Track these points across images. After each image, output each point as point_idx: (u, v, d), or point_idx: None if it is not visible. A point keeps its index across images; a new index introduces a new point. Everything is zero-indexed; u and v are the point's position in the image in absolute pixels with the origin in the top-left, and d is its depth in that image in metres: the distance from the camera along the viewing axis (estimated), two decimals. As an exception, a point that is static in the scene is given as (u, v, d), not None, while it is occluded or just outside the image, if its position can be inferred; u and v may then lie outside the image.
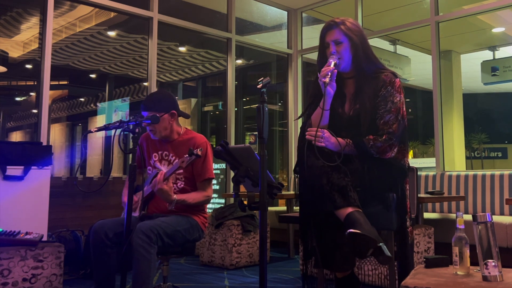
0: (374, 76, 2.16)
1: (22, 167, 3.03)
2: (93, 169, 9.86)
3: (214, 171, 2.71)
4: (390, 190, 2.10)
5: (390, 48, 7.29)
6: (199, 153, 2.25)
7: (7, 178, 2.97)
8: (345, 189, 1.92)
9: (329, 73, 2.04)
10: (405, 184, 2.15)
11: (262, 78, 1.92)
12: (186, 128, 2.74)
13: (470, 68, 9.23)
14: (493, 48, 8.54)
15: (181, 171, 2.49)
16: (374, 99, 2.12)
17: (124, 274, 2.15)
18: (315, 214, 2.06)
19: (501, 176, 4.08)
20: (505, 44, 8.53)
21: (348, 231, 1.79)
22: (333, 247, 2.08)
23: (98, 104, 10.33)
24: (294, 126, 5.94)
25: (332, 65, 2.07)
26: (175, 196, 2.39)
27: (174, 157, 2.62)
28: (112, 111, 8.43)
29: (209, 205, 2.69)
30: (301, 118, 2.38)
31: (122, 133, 2.22)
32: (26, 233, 2.68)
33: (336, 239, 2.06)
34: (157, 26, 4.83)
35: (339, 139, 2.05)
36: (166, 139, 2.65)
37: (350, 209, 1.89)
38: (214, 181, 2.66)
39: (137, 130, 2.23)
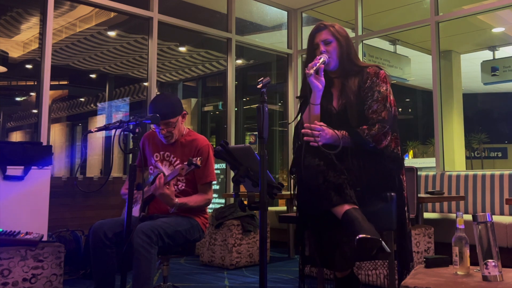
0: (357, 71, 2.23)
1: (22, 167, 3.02)
2: (93, 169, 9.86)
3: (214, 171, 2.71)
4: (388, 187, 2.10)
5: (390, 48, 7.29)
6: (198, 163, 2.24)
7: (7, 178, 2.96)
8: (341, 186, 1.93)
9: (314, 66, 2.11)
10: (402, 176, 2.16)
11: (262, 78, 1.92)
12: (189, 129, 2.74)
13: (470, 68, 9.23)
14: (493, 48, 8.54)
15: None
16: (359, 92, 2.18)
17: (124, 274, 2.15)
18: (313, 214, 2.06)
19: (501, 176, 4.08)
20: (505, 44, 8.53)
21: (358, 237, 1.80)
22: (332, 247, 2.08)
23: (98, 104, 10.34)
24: (294, 126, 5.92)
25: (320, 60, 2.14)
26: (177, 200, 2.39)
27: (175, 158, 2.62)
28: (112, 111, 8.44)
29: (209, 205, 2.69)
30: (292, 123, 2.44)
31: (122, 133, 2.22)
32: (26, 233, 2.68)
33: (335, 238, 2.06)
34: (157, 26, 4.83)
35: (336, 131, 2.07)
36: (168, 143, 2.64)
37: (346, 206, 1.90)
38: (214, 182, 2.66)
39: (137, 130, 2.23)
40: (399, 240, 2.17)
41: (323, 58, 2.16)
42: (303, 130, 2.06)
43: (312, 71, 2.10)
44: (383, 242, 1.83)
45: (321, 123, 2.07)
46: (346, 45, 2.24)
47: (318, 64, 2.12)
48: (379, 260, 1.92)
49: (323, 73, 2.16)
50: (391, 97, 2.17)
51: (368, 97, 2.15)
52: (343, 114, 2.18)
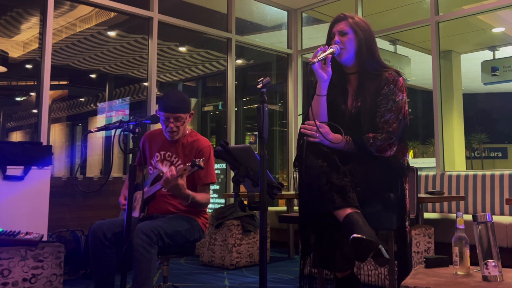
0: (377, 74, 2.14)
1: (22, 167, 3.03)
2: (93, 169, 9.86)
3: (215, 173, 2.70)
4: (390, 190, 2.09)
5: (390, 48, 7.29)
6: (202, 164, 2.23)
7: (7, 178, 2.96)
8: (344, 189, 1.91)
9: (319, 54, 2.03)
10: (405, 184, 2.14)
11: (262, 78, 1.91)
12: (191, 129, 2.74)
13: (470, 68, 9.23)
14: (493, 48, 8.54)
15: None
16: (375, 97, 2.10)
17: (124, 274, 2.15)
18: (314, 214, 2.05)
19: (501, 176, 4.08)
20: (505, 44, 8.53)
21: (352, 236, 1.78)
22: (332, 247, 2.08)
23: (98, 104, 10.34)
24: (294, 126, 5.94)
25: (328, 51, 2.06)
26: (189, 191, 2.37)
27: (177, 159, 2.62)
28: (112, 111, 8.44)
29: (209, 205, 2.69)
30: (301, 116, 2.39)
31: (122, 133, 2.22)
32: (26, 233, 2.68)
33: (334, 238, 2.06)
34: (157, 26, 4.83)
35: (338, 135, 2.05)
36: (172, 139, 2.64)
37: (349, 210, 1.88)
38: (214, 183, 2.65)
39: (137, 130, 2.22)
40: (400, 248, 2.15)
41: (332, 48, 2.08)
42: (301, 130, 2.03)
43: (316, 60, 2.02)
44: (382, 247, 1.81)
45: (323, 125, 2.03)
46: (365, 39, 2.13)
47: (325, 54, 2.04)
48: (378, 265, 1.90)
49: (330, 64, 2.08)
50: (406, 107, 2.09)
51: (382, 105, 2.08)
52: (357, 117, 2.11)
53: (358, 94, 2.14)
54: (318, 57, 2.03)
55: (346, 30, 2.14)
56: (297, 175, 2.07)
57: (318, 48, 2.08)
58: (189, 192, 2.37)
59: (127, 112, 7.76)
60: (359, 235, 1.77)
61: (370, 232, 1.81)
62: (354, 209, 1.89)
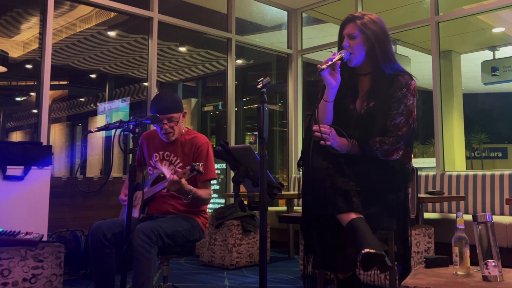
0: (391, 77, 2.11)
1: (22, 167, 3.03)
2: (93, 169, 9.86)
3: (215, 169, 2.71)
4: (392, 192, 2.08)
5: (390, 48, 7.28)
6: (201, 169, 2.24)
7: (7, 178, 2.97)
8: (348, 193, 1.89)
9: (330, 62, 2.00)
10: (408, 188, 2.13)
11: (262, 78, 1.91)
12: (188, 128, 2.74)
13: (470, 68, 9.23)
14: (493, 48, 8.54)
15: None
16: (387, 100, 2.07)
17: (124, 274, 2.15)
18: (317, 215, 2.04)
19: (501, 176, 4.08)
20: (505, 44, 8.53)
21: (363, 252, 1.76)
22: (334, 249, 2.07)
23: (98, 104, 10.34)
24: (294, 126, 5.94)
25: (336, 57, 2.03)
26: (191, 187, 2.39)
27: (176, 158, 2.62)
28: (112, 111, 8.44)
29: (209, 205, 2.69)
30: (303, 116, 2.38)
31: (122, 133, 2.22)
32: (26, 233, 2.68)
33: (337, 240, 2.05)
34: (157, 26, 4.83)
35: (344, 139, 2.04)
36: (168, 140, 2.64)
37: (352, 215, 1.87)
38: (214, 181, 2.66)
39: (137, 130, 2.23)
40: (399, 249, 2.15)
41: (341, 54, 2.04)
42: (314, 128, 1.99)
43: (324, 67, 1.98)
44: (387, 258, 1.80)
45: (330, 128, 2.01)
46: (376, 40, 2.08)
47: (333, 60, 2.00)
48: (380, 271, 1.90)
49: (339, 69, 2.04)
50: (415, 112, 2.08)
51: (394, 108, 2.05)
52: (366, 119, 2.08)
53: (370, 96, 2.11)
54: (327, 64, 2.00)
55: (355, 34, 2.10)
56: (301, 175, 2.05)
57: (331, 57, 2.04)
58: (191, 187, 2.39)
59: (127, 112, 7.76)
60: (369, 250, 1.76)
61: (374, 241, 1.80)
62: (357, 214, 1.88)
